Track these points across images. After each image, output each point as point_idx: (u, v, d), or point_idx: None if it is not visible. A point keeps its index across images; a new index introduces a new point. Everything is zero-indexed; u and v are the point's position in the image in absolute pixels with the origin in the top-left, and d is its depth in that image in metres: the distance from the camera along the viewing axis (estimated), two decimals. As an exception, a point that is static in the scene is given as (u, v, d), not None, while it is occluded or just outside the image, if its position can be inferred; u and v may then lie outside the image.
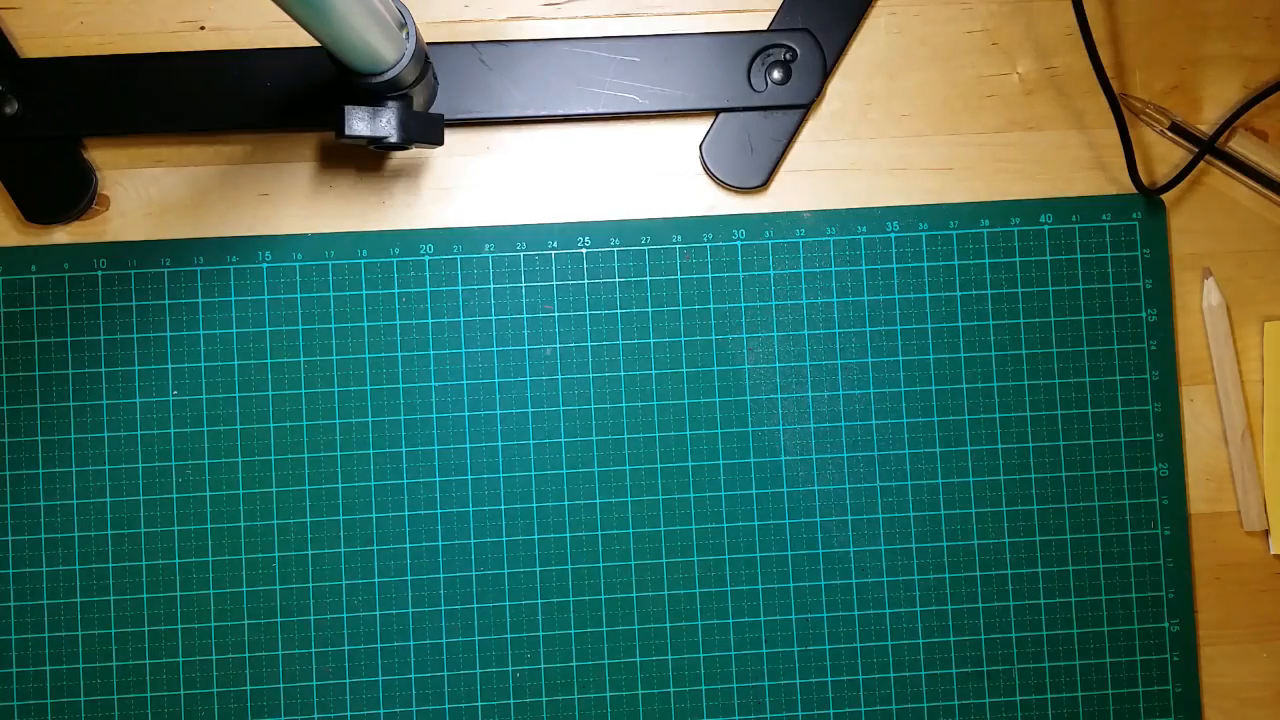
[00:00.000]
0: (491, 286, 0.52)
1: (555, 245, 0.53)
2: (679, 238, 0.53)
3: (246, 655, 0.51)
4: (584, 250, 0.53)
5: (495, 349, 0.52)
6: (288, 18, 0.42)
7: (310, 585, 0.51)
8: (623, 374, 0.52)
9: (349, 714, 0.51)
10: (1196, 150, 0.54)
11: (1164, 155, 0.55)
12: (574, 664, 0.52)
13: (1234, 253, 0.55)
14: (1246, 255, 0.55)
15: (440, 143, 0.49)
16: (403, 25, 0.46)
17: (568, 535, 0.52)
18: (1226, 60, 0.55)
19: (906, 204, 0.54)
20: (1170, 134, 0.54)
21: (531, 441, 0.52)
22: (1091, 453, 0.53)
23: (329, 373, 0.52)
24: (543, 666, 0.52)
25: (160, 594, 0.51)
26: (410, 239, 0.52)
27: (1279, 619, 0.54)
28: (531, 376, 0.52)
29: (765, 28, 0.53)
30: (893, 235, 0.53)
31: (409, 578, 0.52)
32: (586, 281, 0.53)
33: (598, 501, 0.52)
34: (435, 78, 0.52)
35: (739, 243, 0.53)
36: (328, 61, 0.45)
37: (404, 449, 0.52)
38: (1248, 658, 0.54)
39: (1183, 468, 0.54)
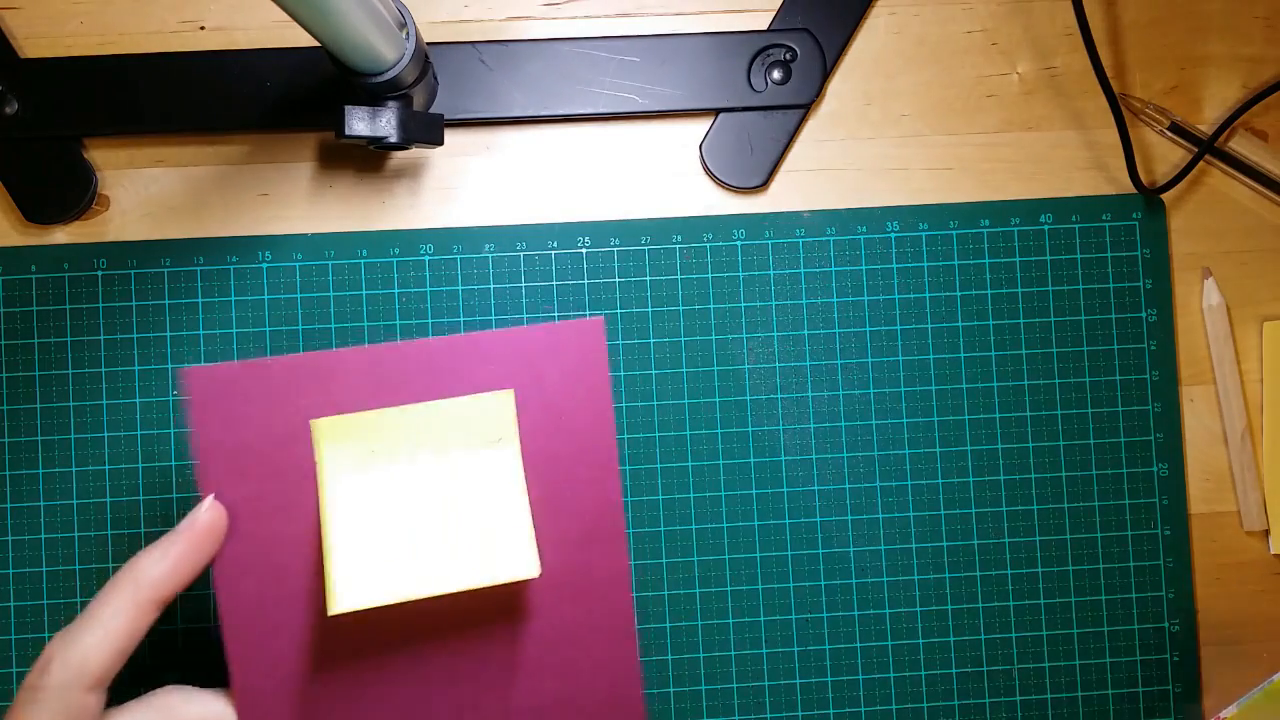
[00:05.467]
0: (491, 286, 0.52)
1: (555, 245, 0.53)
2: (679, 238, 0.53)
3: (246, 655, 0.51)
4: (584, 250, 0.53)
5: (495, 349, 0.52)
6: (288, 18, 0.42)
7: (310, 585, 0.51)
8: (623, 374, 0.52)
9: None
10: (1196, 150, 0.54)
11: (1164, 155, 0.55)
12: (574, 664, 0.52)
13: (1234, 253, 0.55)
14: (1246, 255, 0.55)
15: (440, 143, 0.49)
16: (403, 25, 0.46)
17: (568, 535, 0.52)
18: (1226, 60, 0.55)
19: (906, 204, 0.54)
20: (1170, 134, 0.54)
21: (531, 441, 0.52)
22: (1091, 453, 0.53)
23: (329, 373, 0.52)
24: (543, 666, 0.52)
25: (160, 594, 0.51)
26: (410, 239, 0.52)
27: (1279, 619, 0.54)
28: (531, 376, 0.52)
29: (765, 28, 0.53)
30: (892, 235, 0.53)
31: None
32: (586, 281, 0.53)
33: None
34: (435, 78, 0.52)
35: (739, 243, 0.53)
36: (328, 61, 0.45)
37: (404, 449, 0.52)
38: (1248, 658, 0.54)
39: (1183, 468, 0.54)
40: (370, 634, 0.43)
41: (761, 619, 0.52)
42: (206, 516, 0.40)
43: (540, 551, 0.43)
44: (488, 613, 0.43)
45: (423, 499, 0.41)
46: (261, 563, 0.42)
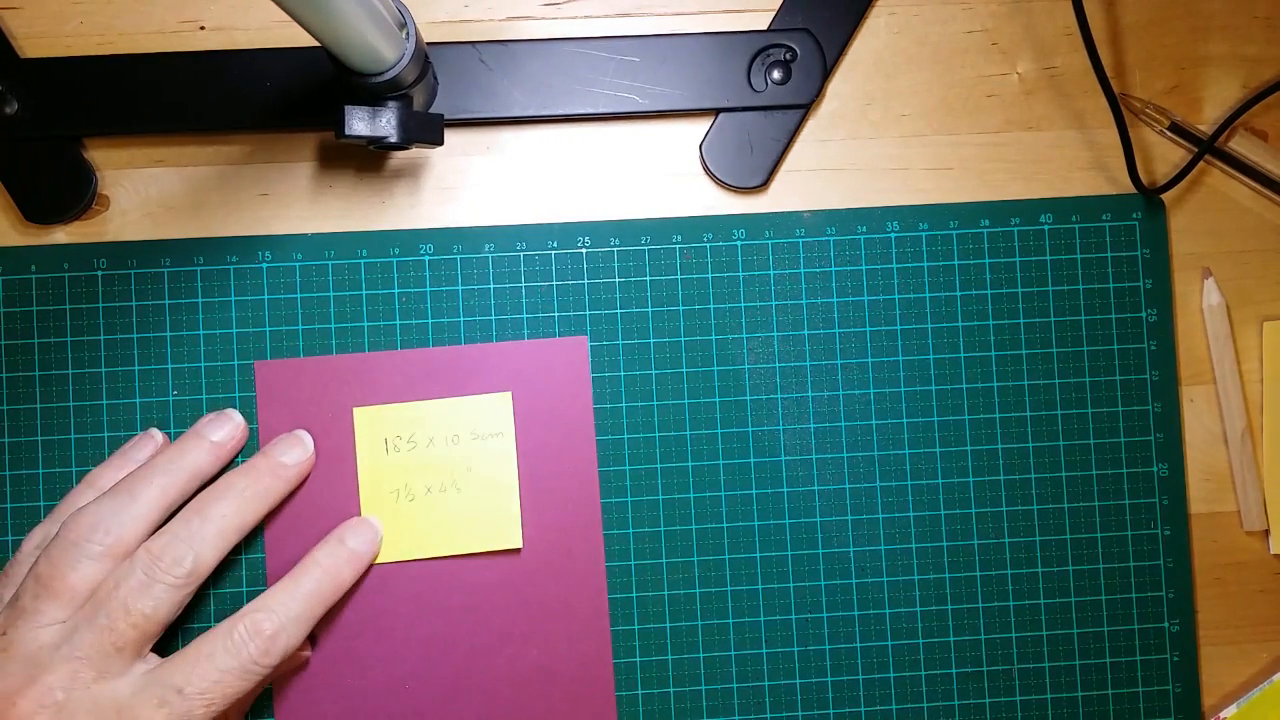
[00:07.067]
0: (491, 286, 0.52)
1: (555, 245, 0.53)
2: (679, 238, 0.53)
3: (246, 655, 0.51)
4: (584, 250, 0.53)
5: (495, 349, 0.52)
6: (288, 18, 0.42)
7: (310, 585, 0.51)
8: (623, 374, 0.52)
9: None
10: (1196, 150, 0.54)
11: (1164, 155, 0.55)
12: (574, 664, 0.52)
13: (1234, 253, 0.55)
14: (1246, 255, 0.55)
15: (440, 143, 0.49)
16: (403, 25, 0.46)
17: (568, 535, 0.52)
18: (1226, 60, 0.55)
19: (906, 204, 0.54)
20: (1170, 134, 0.54)
21: (531, 441, 0.52)
22: (1091, 453, 0.53)
23: (329, 373, 0.52)
24: (543, 666, 0.52)
25: (160, 594, 0.51)
26: (410, 239, 0.52)
27: (1279, 619, 0.54)
28: (531, 376, 0.52)
29: (765, 28, 0.53)
30: (893, 235, 0.53)
31: (409, 578, 0.52)
32: (586, 281, 0.53)
33: (598, 502, 0.52)
34: (435, 78, 0.52)
35: (739, 243, 0.53)
36: (328, 61, 0.45)
37: (404, 449, 0.52)
38: (1247, 658, 0.54)
39: (1183, 468, 0.54)
40: (386, 605, 0.50)
41: (761, 619, 0.52)
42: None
43: (526, 533, 0.51)
44: (482, 586, 0.51)
45: (434, 477, 0.50)
46: (304, 526, 0.50)
